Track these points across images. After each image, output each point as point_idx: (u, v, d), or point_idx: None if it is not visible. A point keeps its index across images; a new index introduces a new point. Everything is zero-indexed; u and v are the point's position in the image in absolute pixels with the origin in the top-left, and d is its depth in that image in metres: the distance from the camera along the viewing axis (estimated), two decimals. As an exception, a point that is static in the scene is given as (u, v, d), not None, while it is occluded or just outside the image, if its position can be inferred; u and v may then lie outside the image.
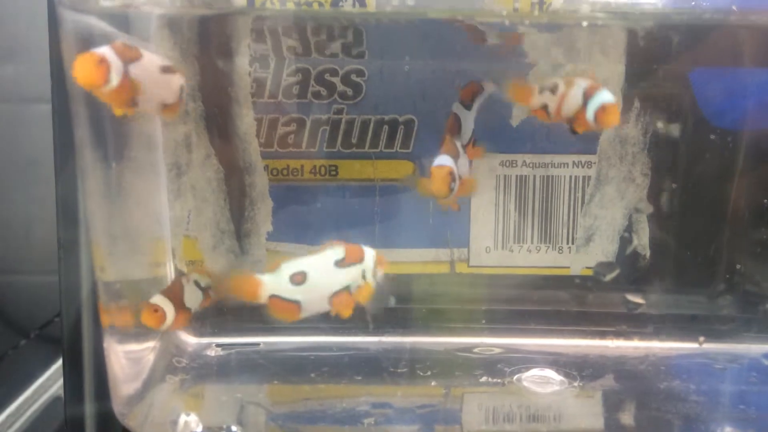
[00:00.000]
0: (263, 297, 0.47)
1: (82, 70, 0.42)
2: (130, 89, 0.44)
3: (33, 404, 0.62)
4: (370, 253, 0.49)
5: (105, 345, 0.50)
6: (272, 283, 0.47)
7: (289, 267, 0.47)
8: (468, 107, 0.57)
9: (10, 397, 0.62)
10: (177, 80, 0.48)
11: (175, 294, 0.53)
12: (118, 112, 0.45)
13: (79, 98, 0.47)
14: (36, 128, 0.79)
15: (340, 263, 0.47)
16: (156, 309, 0.51)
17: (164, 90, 0.47)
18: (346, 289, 0.48)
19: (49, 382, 0.66)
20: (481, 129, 0.60)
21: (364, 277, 0.48)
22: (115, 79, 0.42)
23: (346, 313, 0.48)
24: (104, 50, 0.43)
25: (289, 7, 0.47)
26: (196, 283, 0.55)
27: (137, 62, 0.44)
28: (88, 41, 0.44)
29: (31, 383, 0.64)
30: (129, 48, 0.44)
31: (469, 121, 0.57)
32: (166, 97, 0.47)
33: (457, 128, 0.57)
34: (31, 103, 0.78)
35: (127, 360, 0.51)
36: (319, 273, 0.47)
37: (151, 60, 0.46)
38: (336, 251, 0.48)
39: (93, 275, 0.50)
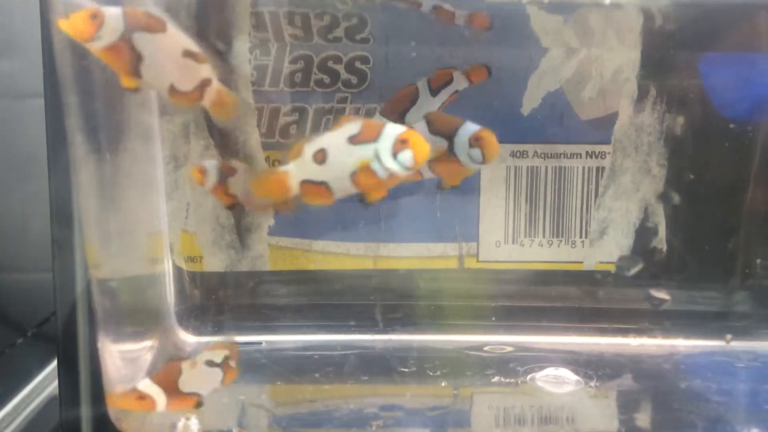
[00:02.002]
0: (294, 186, 0.44)
1: (70, 22, 0.41)
2: (127, 55, 0.42)
3: (30, 403, 0.61)
4: (390, 131, 0.42)
5: (99, 345, 0.48)
6: (298, 169, 0.44)
7: (310, 147, 0.43)
8: (433, 93, 0.54)
9: (7, 396, 0.61)
10: (200, 70, 0.45)
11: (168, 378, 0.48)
12: (123, 81, 0.43)
13: (71, 87, 0.46)
14: (32, 124, 0.77)
15: (353, 140, 0.43)
16: (142, 396, 0.46)
17: (178, 73, 0.45)
18: (366, 168, 0.42)
19: (46, 381, 0.65)
20: (490, 118, 0.57)
21: (379, 159, 0.42)
22: (105, 38, 0.41)
23: (373, 194, 0.44)
24: (110, 10, 0.41)
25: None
26: (209, 363, 0.50)
27: (151, 33, 0.43)
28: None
29: (28, 382, 0.63)
30: (149, 18, 0.43)
31: (427, 104, 0.54)
32: (177, 81, 0.45)
33: (409, 102, 0.53)
34: (27, 98, 0.77)
35: (122, 361, 0.50)
36: (335, 150, 0.43)
37: (175, 39, 0.44)
38: (352, 126, 0.43)
39: (87, 272, 0.49)
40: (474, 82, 0.55)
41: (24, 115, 0.77)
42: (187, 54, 0.45)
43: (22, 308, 0.75)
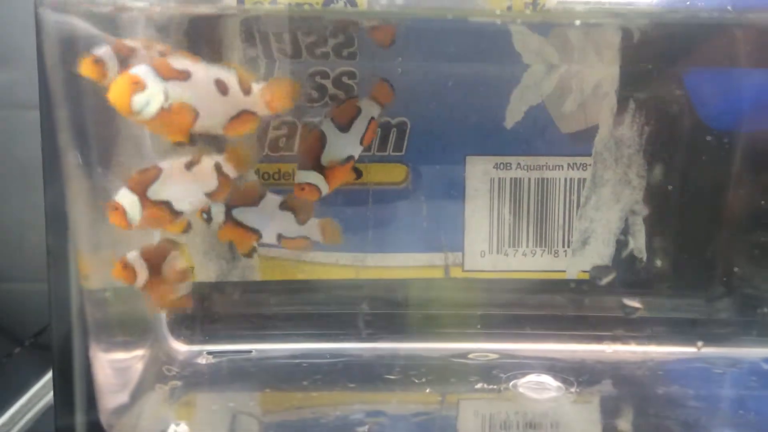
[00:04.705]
0: None
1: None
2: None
3: (27, 413, 0.61)
4: None
5: (91, 354, 0.49)
6: None
7: None
8: (342, 129, 0.53)
9: (4, 406, 0.61)
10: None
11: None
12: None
13: (62, 101, 0.46)
14: (30, 135, 0.77)
15: None
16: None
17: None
18: None
19: (43, 391, 0.65)
20: (474, 131, 0.59)
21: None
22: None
23: None
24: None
25: (280, 7, 0.46)
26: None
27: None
28: (70, 44, 0.43)
29: (26, 392, 0.63)
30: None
31: (342, 142, 0.52)
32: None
33: (318, 149, 0.52)
34: (26, 110, 0.77)
35: (113, 369, 0.51)
36: None
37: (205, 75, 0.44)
38: None
39: (80, 283, 0.49)
40: (383, 104, 0.55)
41: (22, 126, 0.78)
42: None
43: (19, 318, 0.76)
